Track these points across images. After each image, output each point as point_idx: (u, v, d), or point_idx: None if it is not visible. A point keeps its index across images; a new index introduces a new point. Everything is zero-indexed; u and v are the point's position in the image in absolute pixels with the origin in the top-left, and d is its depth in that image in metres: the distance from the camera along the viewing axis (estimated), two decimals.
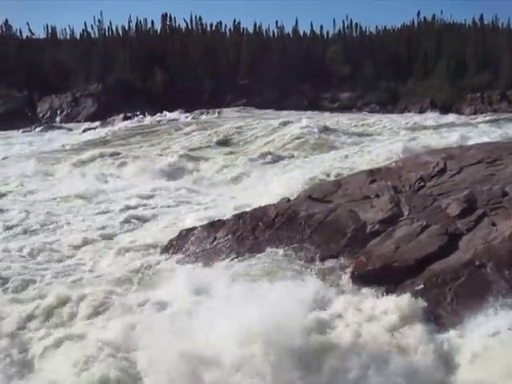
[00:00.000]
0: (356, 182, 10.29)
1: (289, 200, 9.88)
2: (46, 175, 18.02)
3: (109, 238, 10.81)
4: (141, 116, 34.73)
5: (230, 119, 30.57)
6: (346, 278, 7.40)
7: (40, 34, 62.13)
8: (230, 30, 61.23)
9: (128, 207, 12.96)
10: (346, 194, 9.76)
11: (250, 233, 8.95)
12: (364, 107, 45.84)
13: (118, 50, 53.39)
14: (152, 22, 59.46)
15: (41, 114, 43.45)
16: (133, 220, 11.92)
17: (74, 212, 12.78)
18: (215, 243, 9.03)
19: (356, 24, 59.46)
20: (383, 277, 7.17)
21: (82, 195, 14.22)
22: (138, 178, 17.29)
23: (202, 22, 60.21)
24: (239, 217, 9.44)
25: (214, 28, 61.11)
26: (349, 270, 7.52)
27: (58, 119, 42.14)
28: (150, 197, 14.21)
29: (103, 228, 11.41)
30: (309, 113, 37.02)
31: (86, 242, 10.36)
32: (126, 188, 15.30)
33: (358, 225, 8.40)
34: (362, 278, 7.24)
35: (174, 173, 18.03)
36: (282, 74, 48.06)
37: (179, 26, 60.76)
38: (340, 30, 59.79)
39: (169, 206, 13.32)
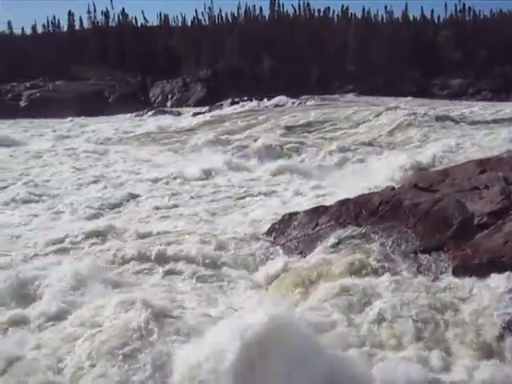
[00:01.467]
0: (464, 171, 9.96)
1: (393, 188, 9.76)
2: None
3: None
4: (248, 101, 35.23)
5: (329, 106, 30.37)
6: (449, 271, 7.22)
7: (153, 21, 64.54)
8: (337, 15, 60.72)
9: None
10: (454, 183, 9.47)
11: (352, 220, 8.92)
12: (475, 94, 43.99)
13: (227, 37, 54.37)
14: (260, 8, 60.14)
15: (153, 99, 45.27)
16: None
17: None
18: (317, 229, 9.09)
19: (469, 8, 57.12)
20: (490, 271, 6.94)
21: None
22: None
23: (310, 8, 60.08)
24: (342, 203, 9.43)
25: (321, 14, 60.80)
26: (453, 262, 7.34)
27: (168, 103, 43.73)
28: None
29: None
30: (417, 100, 36.07)
31: None
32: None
33: (465, 216, 8.13)
34: (467, 272, 7.05)
35: (271, 155, 18.28)
36: (390, 60, 47.04)
37: (287, 11, 60.99)
38: (452, 15, 57.71)
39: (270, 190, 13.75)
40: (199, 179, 14.92)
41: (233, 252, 8.84)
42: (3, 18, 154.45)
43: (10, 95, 45.03)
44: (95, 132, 26.49)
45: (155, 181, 14.76)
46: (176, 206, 12.18)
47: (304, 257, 8.44)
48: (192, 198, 12.95)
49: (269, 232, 9.71)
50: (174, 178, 14.96)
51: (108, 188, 13.80)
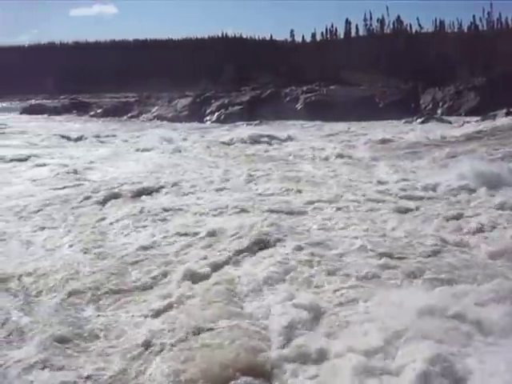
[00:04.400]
0: None
1: None
2: None
3: None
4: None
5: None
6: None
7: (429, 27, 64.32)
8: None
9: None
10: None
11: None
12: None
13: (506, 42, 51.73)
14: None
15: (423, 106, 45.05)
16: None
17: None
18: None
19: None
20: None
21: None
22: None
23: None
24: None
25: None
26: None
27: (439, 111, 43.12)
28: None
29: None
30: None
31: None
32: None
33: None
34: None
35: None
36: None
37: None
38: None
39: None
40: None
41: None
42: (286, 28, 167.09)
43: (288, 98, 48.89)
44: (371, 137, 26.84)
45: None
46: None
47: None
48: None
49: None
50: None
51: None
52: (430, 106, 44.61)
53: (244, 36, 74.90)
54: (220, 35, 76.04)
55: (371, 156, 20.47)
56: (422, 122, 35.34)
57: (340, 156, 20.54)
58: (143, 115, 50.58)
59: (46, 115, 55.24)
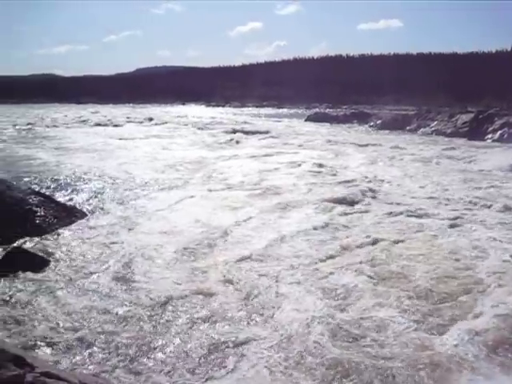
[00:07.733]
0: None
1: None
2: None
3: None
4: None
5: None
6: None
7: None
8: None
9: None
10: None
11: None
12: None
13: None
14: None
15: None
16: None
17: None
18: None
19: None
20: None
21: None
22: None
23: None
24: None
25: None
26: None
27: None
28: None
29: None
30: None
31: None
32: None
33: None
34: None
35: None
36: None
37: None
38: None
39: None
40: None
41: None
42: None
43: None
44: None
45: None
46: None
47: None
48: None
49: None
50: None
51: None
52: None
53: None
54: (509, 49, 72.41)
55: None
56: None
57: None
58: (421, 129, 51.24)
59: (327, 123, 59.33)
